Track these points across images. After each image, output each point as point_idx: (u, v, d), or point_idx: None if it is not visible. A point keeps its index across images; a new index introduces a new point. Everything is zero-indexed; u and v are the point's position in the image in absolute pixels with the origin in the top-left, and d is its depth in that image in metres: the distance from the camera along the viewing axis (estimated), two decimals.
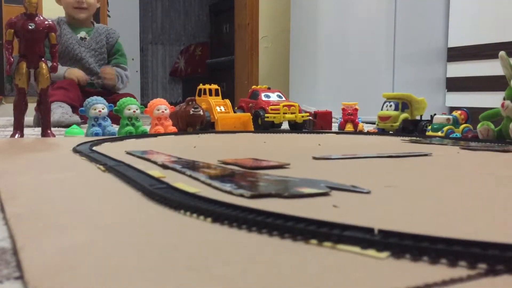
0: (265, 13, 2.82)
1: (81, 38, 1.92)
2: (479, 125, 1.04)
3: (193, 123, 1.28)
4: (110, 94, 1.88)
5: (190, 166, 0.59)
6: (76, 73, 1.84)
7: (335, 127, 1.48)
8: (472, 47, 1.91)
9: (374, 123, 1.39)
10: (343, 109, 1.43)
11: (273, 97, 1.49)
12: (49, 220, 0.35)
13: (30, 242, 0.29)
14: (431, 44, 2.06)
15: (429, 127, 1.19)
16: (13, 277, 0.25)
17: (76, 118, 1.60)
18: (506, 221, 0.36)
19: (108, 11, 3.07)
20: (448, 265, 0.25)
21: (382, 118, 1.27)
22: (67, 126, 1.46)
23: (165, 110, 1.20)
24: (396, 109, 1.26)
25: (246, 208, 0.33)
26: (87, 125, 1.13)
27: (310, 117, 1.46)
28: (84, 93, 1.82)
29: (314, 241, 0.28)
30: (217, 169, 0.58)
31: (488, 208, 0.40)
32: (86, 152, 0.72)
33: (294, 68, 2.52)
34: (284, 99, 1.50)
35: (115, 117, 1.17)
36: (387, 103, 1.29)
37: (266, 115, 1.40)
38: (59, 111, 1.59)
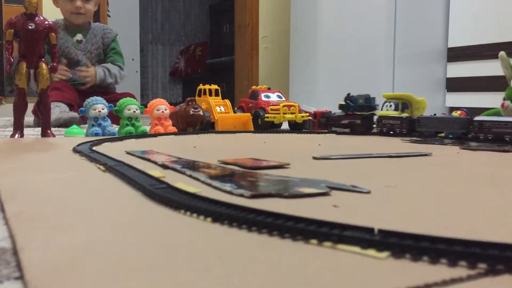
0: (265, 13, 2.82)
1: (77, 41, 1.93)
2: None
3: (193, 123, 1.28)
4: (108, 93, 1.88)
5: (190, 166, 0.59)
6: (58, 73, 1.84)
7: None
8: (472, 47, 1.91)
9: None
10: None
11: (273, 97, 1.49)
12: (49, 220, 0.35)
13: (30, 242, 0.29)
14: (431, 44, 2.06)
15: None
16: (13, 277, 0.25)
17: (75, 114, 1.61)
18: (506, 221, 0.36)
19: (108, 11, 3.07)
20: (448, 265, 0.25)
21: None
22: (67, 124, 1.47)
23: (165, 110, 1.20)
24: (396, 109, 1.26)
25: (246, 208, 0.33)
26: (87, 125, 1.13)
27: (310, 117, 1.46)
28: (80, 93, 1.82)
29: (314, 241, 0.28)
30: (217, 169, 0.58)
31: (488, 208, 0.40)
32: (86, 152, 0.72)
33: (294, 68, 2.52)
34: (284, 99, 1.50)
35: (115, 117, 1.17)
36: (387, 103, 1.29)
37: (266, 115, 1.40)
38: (57, 110, 1.60)
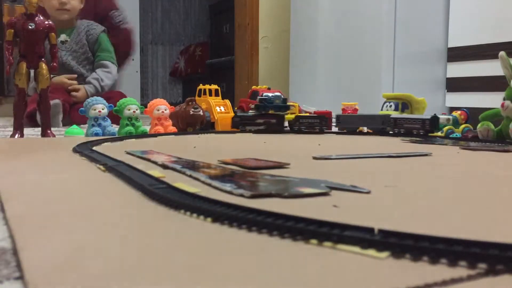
0: (265, 13, 2.81)
1: (62, 42, 1.91)
2: (479, 125, 1.04)
3: (193, 123, 1.28)
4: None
5: (190, 166, 0.59)
6: (61, 79, 1.82)
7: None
8: (472, 47, 1.91)
9: None
10: (343, 109, 1.43)
11: None
12: (49, 220, 0.35)
13: (30, 242, 0.29)
14: (431, 44, 2.06)
15: None
16: (13, 277, 0.25)
17: (56, 100, 1.58)
18: (506, 221, 0.36)
19: None
20: (448, 265, 0.25)
21: None
22: (52, 114, 1.42)
23: (165, 110, 1.20)
24: (396, 109, 1.26)
25: (246, 208, 0.33)
26: (87, 125, 1.13)
27: None
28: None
29: (314, 241, 0.28)
30: (217, 169, 0.58)
31: (488, 208, 0.40)
32: (86, 152, 0.72)
33: (294, 68, 2.51)
34: None
35: (115, 117, 1.17)
36: (387, 103, 1.29)
37: None
38: None
